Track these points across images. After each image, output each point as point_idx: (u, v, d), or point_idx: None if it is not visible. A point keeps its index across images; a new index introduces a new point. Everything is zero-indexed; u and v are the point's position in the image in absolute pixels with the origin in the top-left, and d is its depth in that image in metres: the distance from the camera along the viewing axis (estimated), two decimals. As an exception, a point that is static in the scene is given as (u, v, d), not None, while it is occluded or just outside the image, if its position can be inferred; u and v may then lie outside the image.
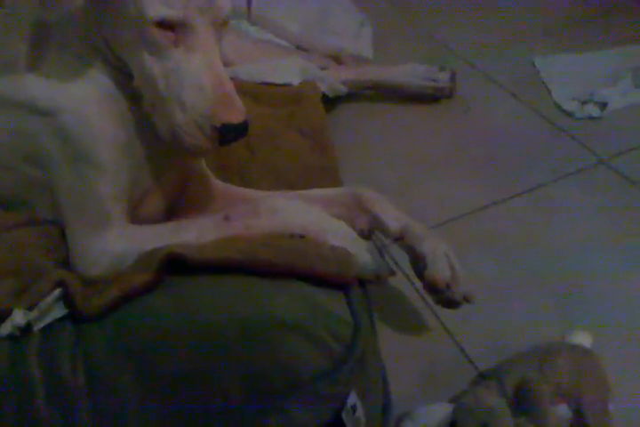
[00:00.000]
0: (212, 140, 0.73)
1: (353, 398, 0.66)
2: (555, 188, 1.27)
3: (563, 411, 0.79)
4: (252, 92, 1.26)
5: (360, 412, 0.67)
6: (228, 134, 0.73)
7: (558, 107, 1.48)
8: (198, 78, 0.72)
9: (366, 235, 0.93)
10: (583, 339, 0.91)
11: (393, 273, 0.90)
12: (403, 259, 0.96)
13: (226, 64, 0.79)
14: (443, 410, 0.84)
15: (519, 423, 0.79)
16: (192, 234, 0.80)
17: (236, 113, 0.73)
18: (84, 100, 0.77)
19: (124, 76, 0.77)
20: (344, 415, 0.65)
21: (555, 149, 1.37)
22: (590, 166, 1.32)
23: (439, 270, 0.88)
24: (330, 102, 1.45)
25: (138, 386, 0.64)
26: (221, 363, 0.64)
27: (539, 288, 1.06)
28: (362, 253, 0.84)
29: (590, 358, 0.85)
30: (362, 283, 0.86)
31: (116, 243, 0.80)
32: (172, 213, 0.92)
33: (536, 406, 0.78)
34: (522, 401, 0.79)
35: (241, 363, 0.64)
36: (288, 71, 1.35)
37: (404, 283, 1.06)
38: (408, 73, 1.50)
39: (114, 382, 0.64)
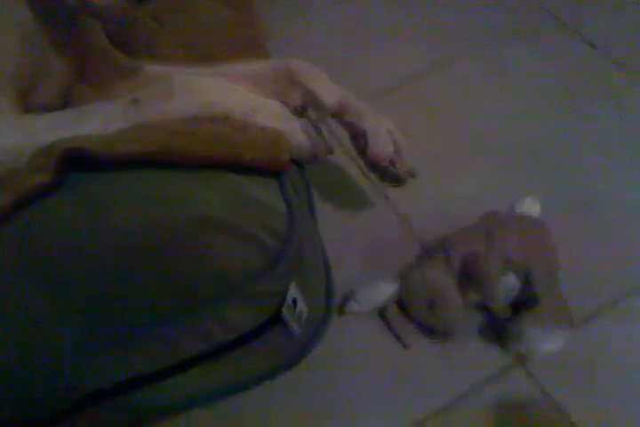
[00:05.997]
0: None
1: (293, 293, 0.61)
2: (507, 48, 1.17)
3: (511, 282, 0.78)
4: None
5: (301, 304, 0.63)
6: None
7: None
8: None
9: (300, 112, 0.83)
10: (531, 207, 0.88)
11: (331, 151, 0.82)
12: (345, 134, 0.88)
13: None
14: (388, 287, 0.82)
15: (468, 297, 0.78)
16: (96, 122, 0.69)
17: None
18: None
19: None
20: (284, 311, 0.61)
21: (509, 7, 1.24)
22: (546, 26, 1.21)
23: (381, 147, 0.82)
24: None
25: (53, 309, 0.56)
26: (143, 276, 0.57)
27: (486, 156, 1.01)
28: (296, 133, 0.75)
29: (538, 228, 0.83)
30: (298, 164, 0.79)
31: (5, 137, 0.68)
32: (70, 98, 0.79)
33: (484, 279, 0.76)
34: (469, 275, 0.77)
35: (165, 273, 0.57)
36: None
37: (346, 160, 0.99)
38: None
39: (25, 307, 0.56)
